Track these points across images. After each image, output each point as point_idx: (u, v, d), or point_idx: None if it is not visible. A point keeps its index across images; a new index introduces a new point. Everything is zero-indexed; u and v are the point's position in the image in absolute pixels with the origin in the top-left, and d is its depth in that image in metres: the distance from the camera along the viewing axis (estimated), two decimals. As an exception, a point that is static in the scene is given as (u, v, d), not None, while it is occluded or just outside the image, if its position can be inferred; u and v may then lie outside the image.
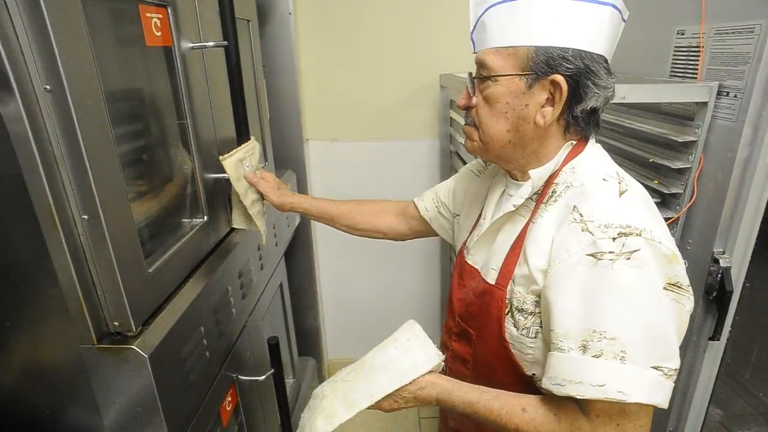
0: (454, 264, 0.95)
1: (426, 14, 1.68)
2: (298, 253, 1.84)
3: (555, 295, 0.64)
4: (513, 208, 0.74)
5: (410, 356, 0.75)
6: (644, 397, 0.59)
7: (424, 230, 1.10)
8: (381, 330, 2.25)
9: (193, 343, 0.87)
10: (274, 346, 1.19)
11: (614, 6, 0.66)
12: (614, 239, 0.60)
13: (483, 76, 0.71)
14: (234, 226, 1.11)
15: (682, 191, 1.16)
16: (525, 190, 0.73)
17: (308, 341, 2.00)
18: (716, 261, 1.12)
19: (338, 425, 0.71)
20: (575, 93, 0.67)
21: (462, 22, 1.69)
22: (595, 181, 0.68)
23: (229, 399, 1.07)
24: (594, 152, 0.74)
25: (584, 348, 0.61)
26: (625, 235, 0.60)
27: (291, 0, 1.56)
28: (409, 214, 1.11)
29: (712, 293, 1.13)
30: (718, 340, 1.16)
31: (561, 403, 0.66)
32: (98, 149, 0.63)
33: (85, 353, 0.69)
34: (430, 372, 0.75)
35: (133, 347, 0.68)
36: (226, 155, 1.00)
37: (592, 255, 0.61)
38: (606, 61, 0.69)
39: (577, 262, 0.62)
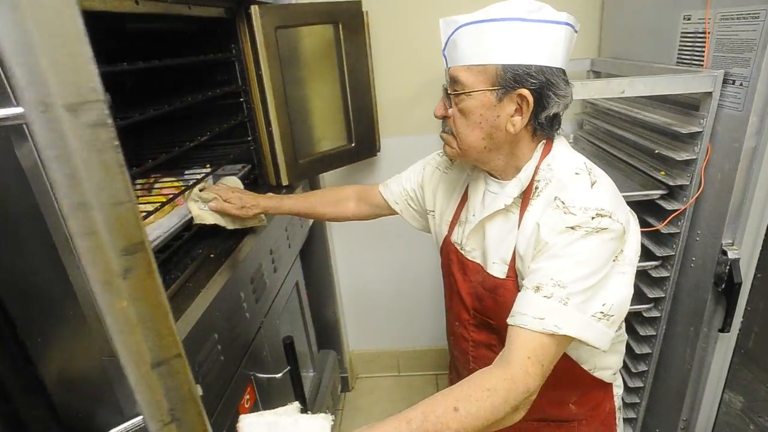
0: (443, 257, 1.00)
1: (429, 20, 1.71)
2: (314, 251, 1.89)
3: (536, 258, 0.76)
4: (503, 206, 0.82)
5: None
6: (573, 331, 0.69)
7: (390, 214, 1.15)
8: (397, 319, 2.28)
9: (207, 349, 0.93)
10: (288, 345, 1.25)
11: (567, 23, 0.74)
12: (593, 218, 0.72)
13: (457, 91, 0.78)
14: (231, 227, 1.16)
15: (688, 182, 1.14)
16: (512, 190, 0.81)
17: (329, 335, 2.07)
18: (725, 253, 1.10)
19: None
20: (539, 103, 0.76)
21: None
22: (570, 175, 0.78)
23: (248, 396, 1.14)
24: (562, 149, 0.82)
25: (537, 288, 0.72)
26: (600, 216, 0.72)
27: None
28: (375, 203, 1.14)
29: (721, 285, 1.12)
30: (728, 332, 1.15)
31: (490, 376, 0.68)
32: None
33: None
34: None
35: (148, 359, 0.74)
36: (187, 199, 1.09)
37: (571, 227, 0.72)
38: (564, 72, 0.77)
39: (560, 233, 0.73)
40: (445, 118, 0.83)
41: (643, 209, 1.27)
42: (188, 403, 0.56)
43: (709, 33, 1.11)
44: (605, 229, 0.71)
